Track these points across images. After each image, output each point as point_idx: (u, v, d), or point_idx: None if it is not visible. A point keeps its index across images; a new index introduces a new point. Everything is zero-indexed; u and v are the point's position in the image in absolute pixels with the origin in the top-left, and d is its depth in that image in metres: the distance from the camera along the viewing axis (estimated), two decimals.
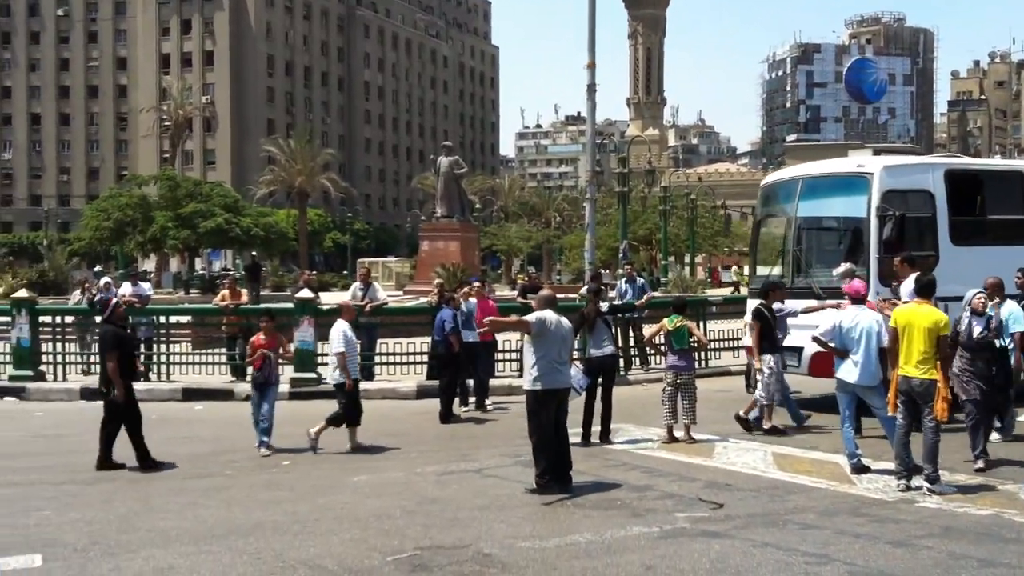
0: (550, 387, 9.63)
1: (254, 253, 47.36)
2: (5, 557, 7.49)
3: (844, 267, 13.41)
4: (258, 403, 11.90)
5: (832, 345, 10.34)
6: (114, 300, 12.66)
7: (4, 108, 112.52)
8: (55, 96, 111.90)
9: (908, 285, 12.08)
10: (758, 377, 12.56)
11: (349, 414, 11.79)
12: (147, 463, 10.91)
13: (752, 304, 13.54)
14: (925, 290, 9.62)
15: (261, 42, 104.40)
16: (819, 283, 13.96)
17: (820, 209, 14.73)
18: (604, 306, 12.46)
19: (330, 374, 12.38)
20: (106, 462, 10.86)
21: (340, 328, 11.96)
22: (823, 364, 12.24)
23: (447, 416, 14.03)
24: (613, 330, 12.83)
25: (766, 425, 12.40)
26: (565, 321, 10.00)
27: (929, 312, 9.33)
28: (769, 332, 12.61)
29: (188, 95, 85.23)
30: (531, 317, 9.73)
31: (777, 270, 15.27)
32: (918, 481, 9.31)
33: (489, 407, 15.02)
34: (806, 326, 13.11)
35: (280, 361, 12.55)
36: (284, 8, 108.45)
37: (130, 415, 10.97)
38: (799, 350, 13.50)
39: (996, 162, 16.17)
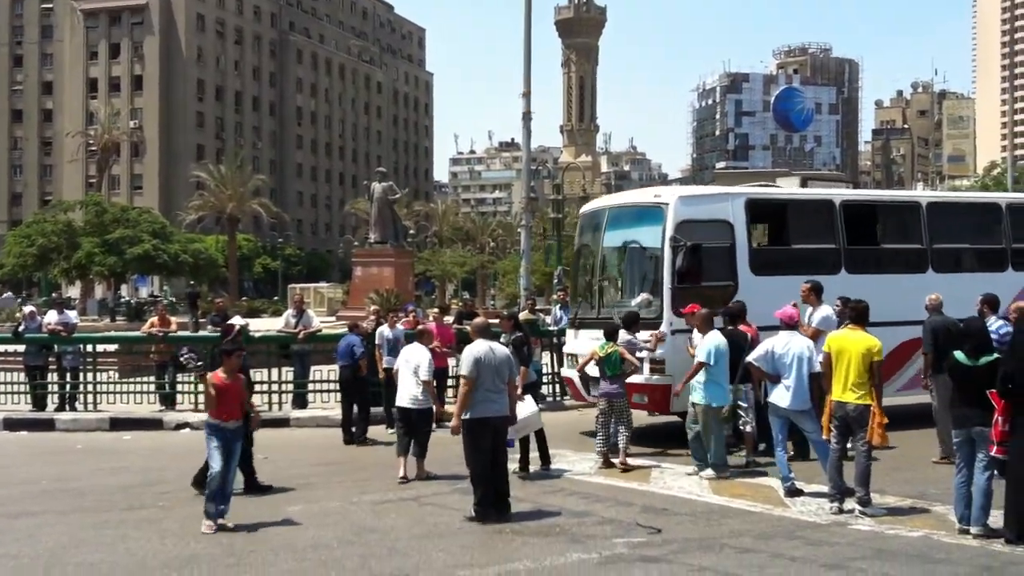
0: (482, 416, 9.62)
1: (192, 282, 46.74)
2: None
3: (641, 297, 13.70)
4: (221, 459, 9.44)
5: (764, 370, 10.49)
6: (237, 326, 12.47)
7: None
8: None
9: (819, 313, 12.34)
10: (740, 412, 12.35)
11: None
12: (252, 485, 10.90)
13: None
14: (860, 317, 9.81)
15: (192, 66, 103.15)
16: (620, 314, 13.79)
17: (622, 239, 14.62)
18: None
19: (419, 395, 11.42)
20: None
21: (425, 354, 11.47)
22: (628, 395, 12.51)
23: (351, 438, 14.39)
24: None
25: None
26: (499, 348, 10.01)
27: (863, 338, 9.52)
28: None
29: (116, 120, 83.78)
30: (464, 371, 9.68)
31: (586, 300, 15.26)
32: (850, 504, 9.47)
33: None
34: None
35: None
36: (216, 33, 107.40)
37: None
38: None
39: (801, 191, 16.32)
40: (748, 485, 10.91)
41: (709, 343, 11.40)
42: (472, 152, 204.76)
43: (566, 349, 14.80)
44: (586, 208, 16.54)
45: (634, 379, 12.75)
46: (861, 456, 9.41)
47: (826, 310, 12.40)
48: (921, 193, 18.87)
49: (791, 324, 10.67)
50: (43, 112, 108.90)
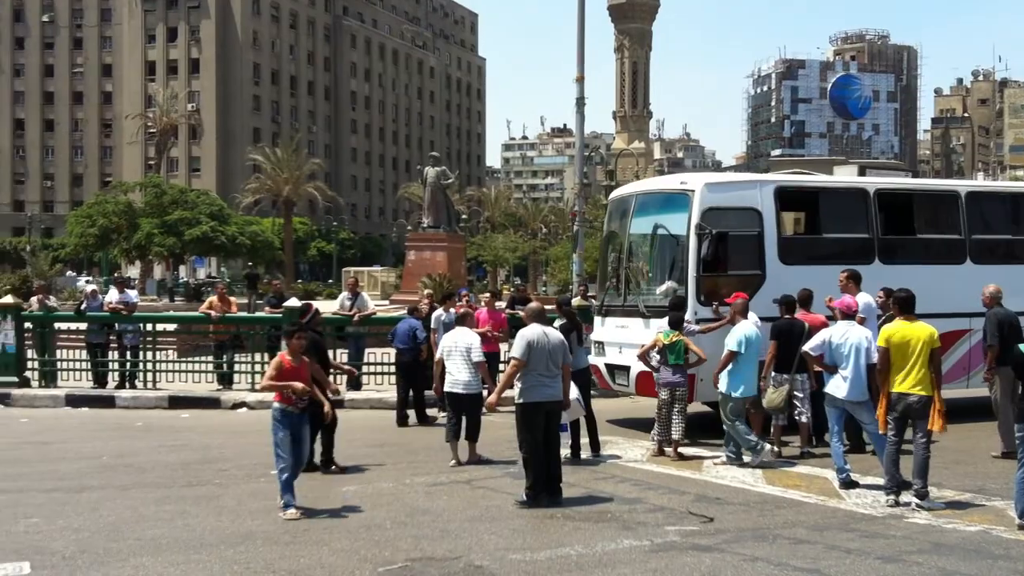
0: (535, 400, 9.65)
1: (251, 263, 47.31)
2: None
3: (666, 285, 13.47)
4: (287, 444, 9.33)
5: (823, 360, 10.39)
6: (315, 306, 12.54)
7: None
8: (39, 102, 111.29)
9: (864, 299, 12.08)
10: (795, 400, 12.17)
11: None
12: (328, 464, 11.01)
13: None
14: (907, 305, 9.64)
15: (247, 50, 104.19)
16: (645, 301, 13.81)
17: (649, 226, 14.43)
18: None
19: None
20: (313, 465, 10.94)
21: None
22: (648, 383, 12.52)
23: (404, 421, 14.58)
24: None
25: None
26: (553, 333, 10.02)
27: (921, 327, 9.39)
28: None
29: (174, 102, 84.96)
30: (516, 352, 9.72)
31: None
32: (907, 497, 9.36)
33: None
34: (628, 344, 13.45)
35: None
36: (271, 17, 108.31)
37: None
38: (627, 369, 13.66)
39: (834, 179, 15.91)
40: (803, 476, 10.83)
41: (740, 332, 11.31)
42: (524, 138, 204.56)
43: (592, 336, 14.69)
44: (615, 194, 16.40)
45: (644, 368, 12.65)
46: (921, 448, 9.30)
47: (866, 297, 12.19)
48: (960, 182, 18.52)
49: (849, 314, 10.55)
50: (103, 95, 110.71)
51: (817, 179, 16.07)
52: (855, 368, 10.05)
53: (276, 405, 9.36)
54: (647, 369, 12.46)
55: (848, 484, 10.07)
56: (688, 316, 12.67)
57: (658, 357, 11.95)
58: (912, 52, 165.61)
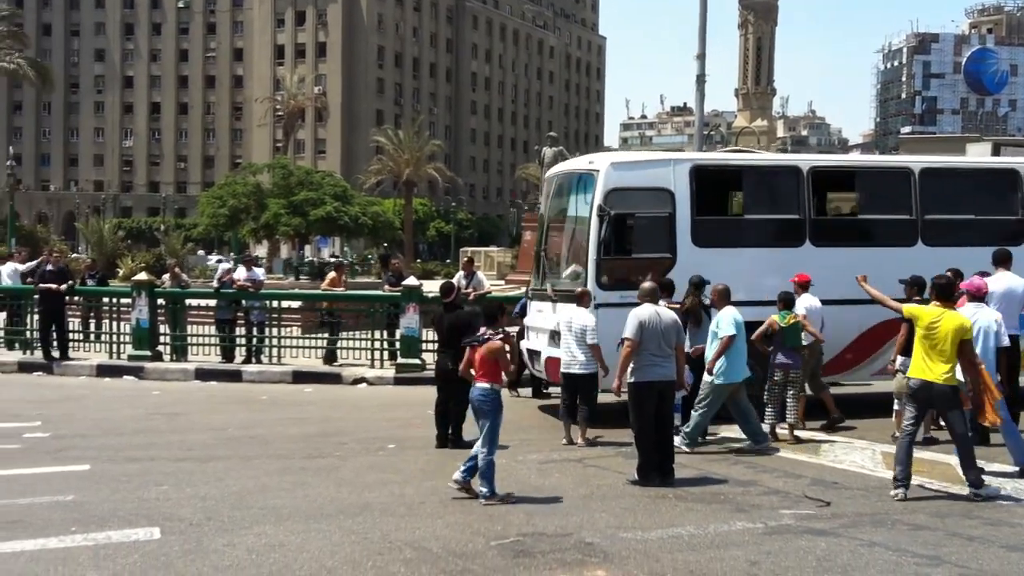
0: (647, 380, 9.63)
1: (385, 244, 48.16)
2: (127, 529, 7.83)
3: (570, 269, 13.05)
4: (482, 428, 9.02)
5: None
6: (457, 285, 12.90)
7: (126, 97, 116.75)
8: (175, 86, 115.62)
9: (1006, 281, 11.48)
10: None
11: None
12: (458, 439, 11.16)
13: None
14: (945, 291, 9.20)
15: (372, 34, 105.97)
16: (555, 286, 13.33)
17: (561, 208, 13.94)
18: (707, 300, 12.21)
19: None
20: (443, 441, 11.25)
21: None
22: (556, 369, 12.09)
23: (517, 395, 14.76)
24: None
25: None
26: (666, 313, 9.95)
27: (954, 315, 9.02)
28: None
29: (301, 86, 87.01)
30: (628, 332, 9.65)
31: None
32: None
33: None
34: (541, 329, 13.12)
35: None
36: (395, 0, 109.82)
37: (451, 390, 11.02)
38: (539, 354, 13.32)
39: (761, 156, 14.90)
40: (925, 461, 10.51)
41: (731, 316, 10.95)
42: (643, 117, 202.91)
43: (525, 321, 14.23)
44: (545, 176, 15.82)
45: (553, 353, 12.33)
46: (961, 439, 9.04)
47: (1009, 280, 11.63)
48: (913, 158, 17.10)
49: (979, 296, 10.17)
50: (234, 78, 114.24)
51: (741, 157, 15.30)
52: (983, 351, 9.66)
53: (496, 387, 9.06)
54: (555, 355, 12.15)
55: None
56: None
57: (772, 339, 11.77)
58: None
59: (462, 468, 8.95)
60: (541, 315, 13.47)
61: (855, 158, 17.59)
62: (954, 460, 10.07)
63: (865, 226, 14.31)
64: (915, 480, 9.55)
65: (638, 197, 12.87)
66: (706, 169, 13.55)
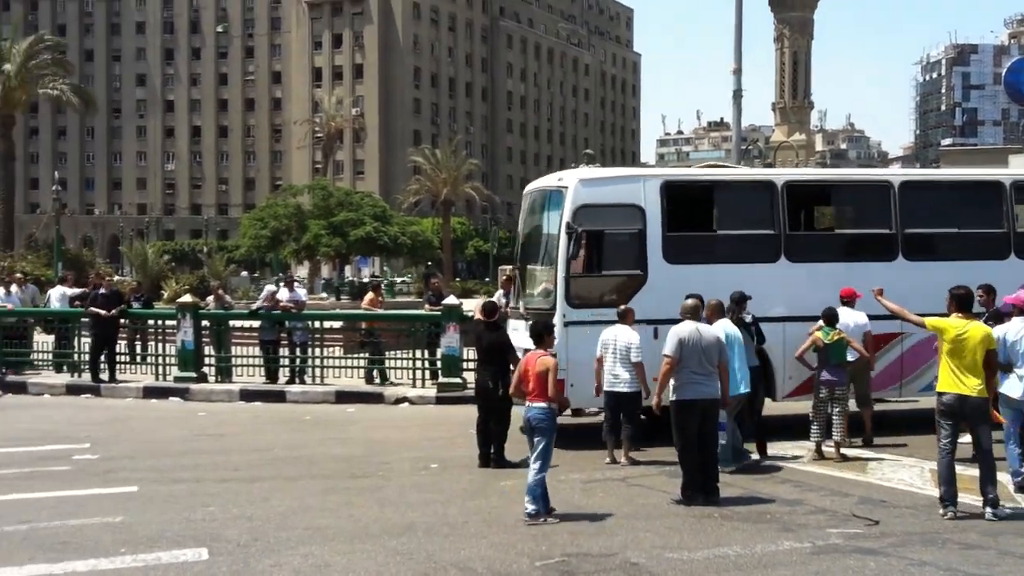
0: (688, 398, 9.59)
1: (428, 263, 48.37)
2: (176, 550, 7.91)
3: (541, 287, 12.94)
4: (533, 448, 9.10)
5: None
6: (501, 304, 13.13)
7: (167, 121, 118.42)
8: (215, 109, 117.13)
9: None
10: None
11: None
12: (500, 459, 11.20)
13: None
14: (964, 303, 9.07)
15: (408, 54, 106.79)
16: (527, 304, 13.25)
17: (534, 226, 13.84)
18: (748, 317, 12.08)
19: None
20: (485, 460, 11.32)
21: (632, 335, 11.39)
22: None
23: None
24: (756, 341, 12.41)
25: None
26: (707, 330, 9.90)
27: (978, 326, 8.93)
28: None
29: (339, 107, 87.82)
30: (668, 350, 9.64)
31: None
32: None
33: None
34: (518, 347, 12.66)
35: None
36: (430, 20, 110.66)
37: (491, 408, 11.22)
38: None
39: (735, 172, 14.62)
40: (974, 479, 10.35)
41: (721, 330, 10.70)
42: (680, 133, 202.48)
43: None
44: (524, 191, 15.58)
45: None
46: (987, 454, 8.91)
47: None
48: (893, 171, 16.83)
49: None
50: (273, 101, 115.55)
51: (714, 172, 15.07)
52: None
53: (552, 406, 9.11)
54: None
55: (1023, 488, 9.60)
56: (556, 319, 12.15)
57: (816, 356, 11.69)
58: None
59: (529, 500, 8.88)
60: (517, 334, 13.38)
61: (833, 172, 17.28)
62: (1005, 477, 9.94)
63: (843, 241, 14.19)
64: (965, 498, 9.43)
65: (608, 214, 12.80)
66: (677, 185, 13.38)
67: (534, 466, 8.86)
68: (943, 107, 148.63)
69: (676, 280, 12.21)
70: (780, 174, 14.58)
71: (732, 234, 13.48)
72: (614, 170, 16.00)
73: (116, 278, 25.25)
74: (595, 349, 11.54)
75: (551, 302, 12.50)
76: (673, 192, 12.96)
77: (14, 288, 21.05)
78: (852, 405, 12.31)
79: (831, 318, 11.78)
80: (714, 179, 14.41)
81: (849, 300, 12.22)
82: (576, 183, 12.72)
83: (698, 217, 13.28)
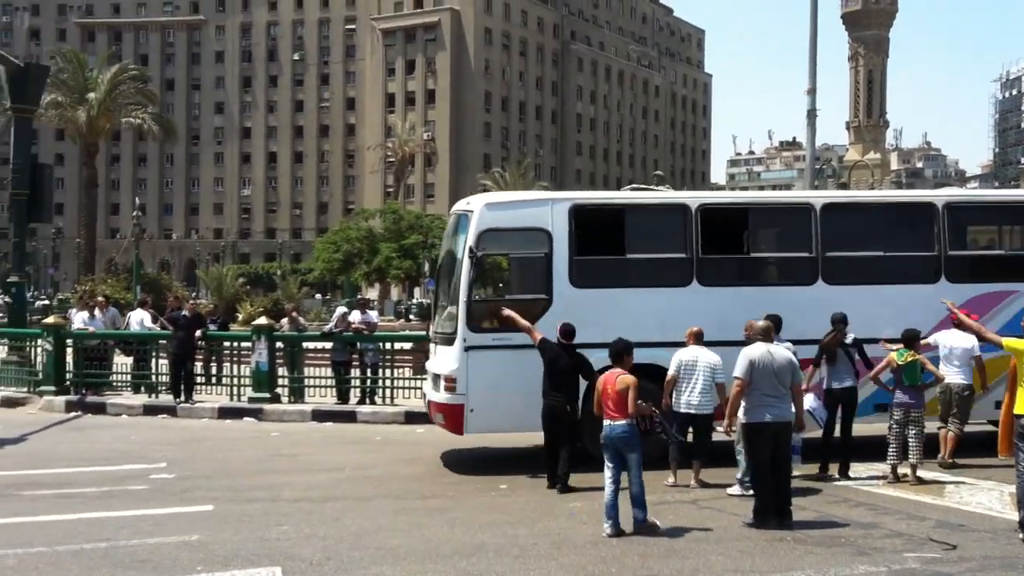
0: (759, 420, 9.50)
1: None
2: (251, 568, 8.05)
3: (447, 311, 12.77)
4: (615, 470, 9.40)
5: None
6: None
7: (245, 147, 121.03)
8: (290, 136, 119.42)
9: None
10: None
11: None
12: (565, 486, 11.17)
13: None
14: None
15: (479, 79, 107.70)
16: (435, 328, 13.09)
17: (448, 249, 13.67)
18: (849, 337, 11.91)
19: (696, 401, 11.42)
20: (553, 481, 11.36)
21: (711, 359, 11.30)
22: (432, 410, 12.59)
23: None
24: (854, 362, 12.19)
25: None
26: (779, 352, 9.77)
27: None
28: None
29: (411, 132, 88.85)
30: (738, 372, 9.56)
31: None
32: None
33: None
34: (430, 371, 13.13)
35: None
36: (502, 46, 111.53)
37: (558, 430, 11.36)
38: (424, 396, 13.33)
39: (648, 195, 14.13)
40: None
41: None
42: (751, 153, 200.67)
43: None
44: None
45: (432, 397, 12.67)
46: None
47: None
48: (815, 193, 16.08)
49: None
50: (347, 127, 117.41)
51: (626, 196, 14.69)
52: None
53: (632, 423, 9.35)
54: (437, 399, 12.52)
55: None
56: (457, 343, 12.12)
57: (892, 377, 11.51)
58: None
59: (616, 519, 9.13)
60: (432, 357, 13.45)
61: (750, 195, 16.87)
62: None
63: (759, 264, 13.81)
64: None
65: (514, 238, 12.83)
66: (586, 209, 13.26)
67: (633, 479, 9.20)
68: (1023, 124, 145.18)
69: (582, 304, 12.28)
70: (695, 197, 14.45)
71: (642, 258, 13.23)
72: (522, 194, 16.22)
73: (192, 301, 25.74)
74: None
75: (454, 326, 12.52)
76: (582, 216, 12.84)
77: (97, 312, 21.61)
78: (931, 426, 12.09)
79: (909, 340, 11.57)
80: (624, 203, 14.16)
81: (957, 322, 11.92)
82: (482, 207, 12.73)
83: (609, 241, 13.06)
